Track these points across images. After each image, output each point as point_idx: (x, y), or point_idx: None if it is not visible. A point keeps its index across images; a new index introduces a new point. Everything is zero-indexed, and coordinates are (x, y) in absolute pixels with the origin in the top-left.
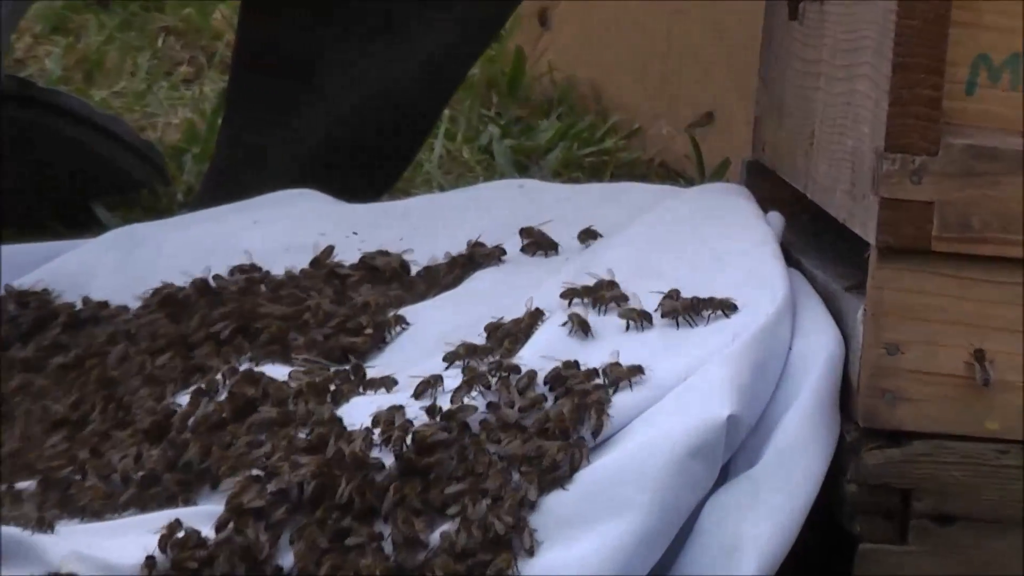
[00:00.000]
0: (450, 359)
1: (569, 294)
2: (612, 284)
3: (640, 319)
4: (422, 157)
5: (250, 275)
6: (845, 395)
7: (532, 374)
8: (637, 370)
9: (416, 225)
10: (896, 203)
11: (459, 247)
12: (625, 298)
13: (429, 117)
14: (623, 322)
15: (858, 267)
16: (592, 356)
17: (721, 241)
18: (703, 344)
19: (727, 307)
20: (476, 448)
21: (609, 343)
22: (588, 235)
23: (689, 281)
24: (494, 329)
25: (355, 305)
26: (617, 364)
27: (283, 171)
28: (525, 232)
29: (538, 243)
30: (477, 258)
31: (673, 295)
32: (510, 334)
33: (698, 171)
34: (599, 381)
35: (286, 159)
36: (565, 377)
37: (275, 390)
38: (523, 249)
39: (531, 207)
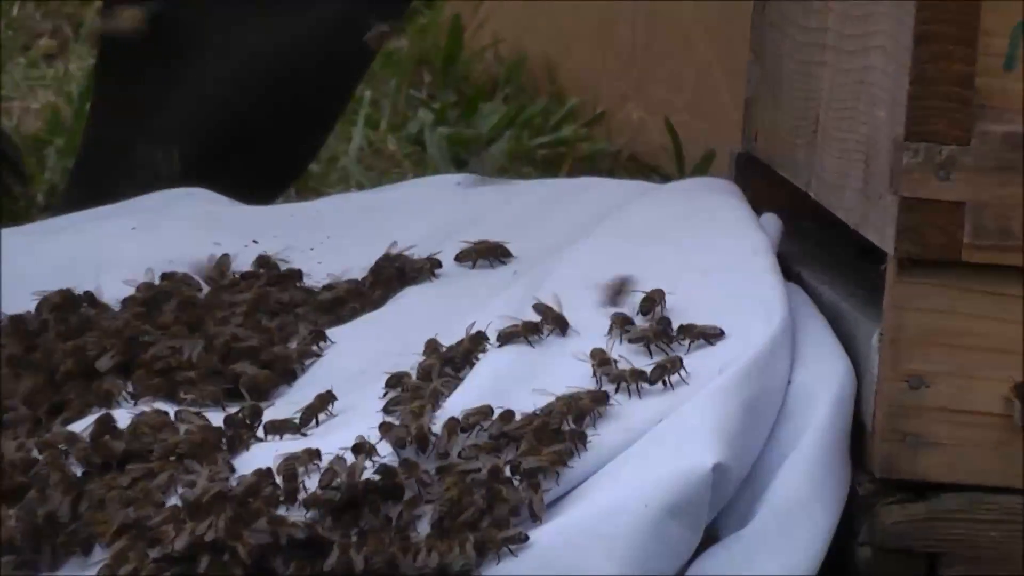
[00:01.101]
0: (387, 387)
1: (507, 337)
2: (559, 320)
3: (602, 366)
4: (337, 149)
5: (133, 295)
6: (857, 439)
7: (460, 425)
8: (602, 398)
9: (330, 232)
10: (919, 204)
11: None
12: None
13: (331, 99)
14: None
15: (873, 282)
16: (542, 386)
17: (704, 251)
18: (683, 378)
19: (711, 334)
20: (408, 509)
21: (564, 372)
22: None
23: (665, 301)
24: (432, 352)
25: (257, 331)
26: (578, 397)
27: (160, 165)
28: (476, 241)
29: (480, 252)
30: (406, 272)
31: (651, 310)
32: (447, 363)
33: (676, 165)
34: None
35: (162, 150)
36: (507, 438)
37: (158, 437)
38: (459, 258)
39: (471, 209)
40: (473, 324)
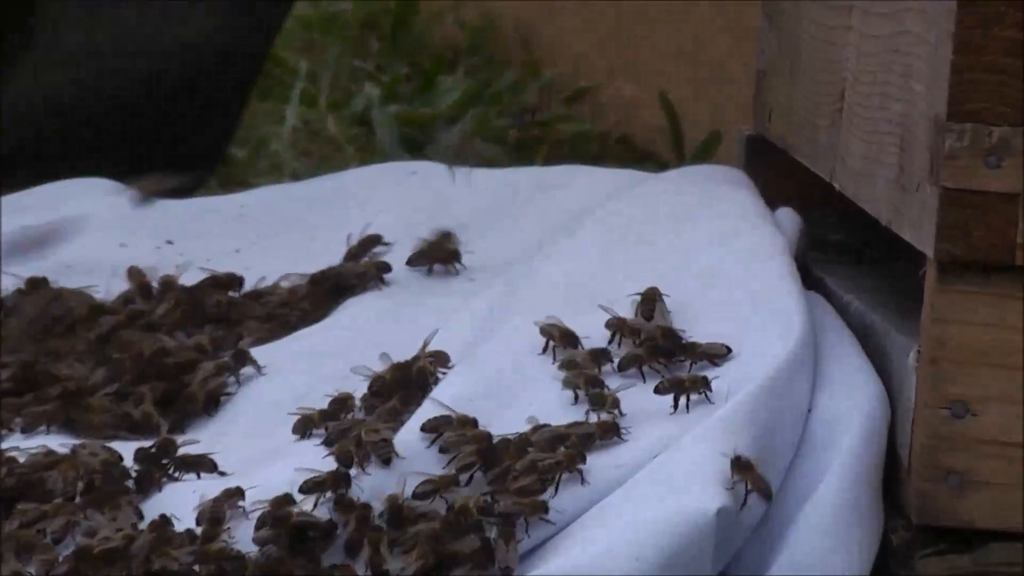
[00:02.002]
0: (302, 429)
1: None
2: (568, 337)
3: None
4: (267, 132)
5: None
6: (891, 477)
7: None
8: (612, 429)
9: (259, 230)
10: (964, 196)
11: (324, 261)
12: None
13: (234, 67)
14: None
15: (909, 290)
16: (516, 417)
17: (708, 254)
18: (683, 406)
19: (715, 354)
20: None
21: (539, 397)
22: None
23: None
24: (380, 381)
25: (175, 350)
26: (578, 425)
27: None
28: (433, 239)
29: (437, 256)
30: (350, 278)
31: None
32: (397, 387)
33: (675, 149)
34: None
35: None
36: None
37: (54, 473)
38: (412, 261)
39: (429, 203)
40: (433, 334)
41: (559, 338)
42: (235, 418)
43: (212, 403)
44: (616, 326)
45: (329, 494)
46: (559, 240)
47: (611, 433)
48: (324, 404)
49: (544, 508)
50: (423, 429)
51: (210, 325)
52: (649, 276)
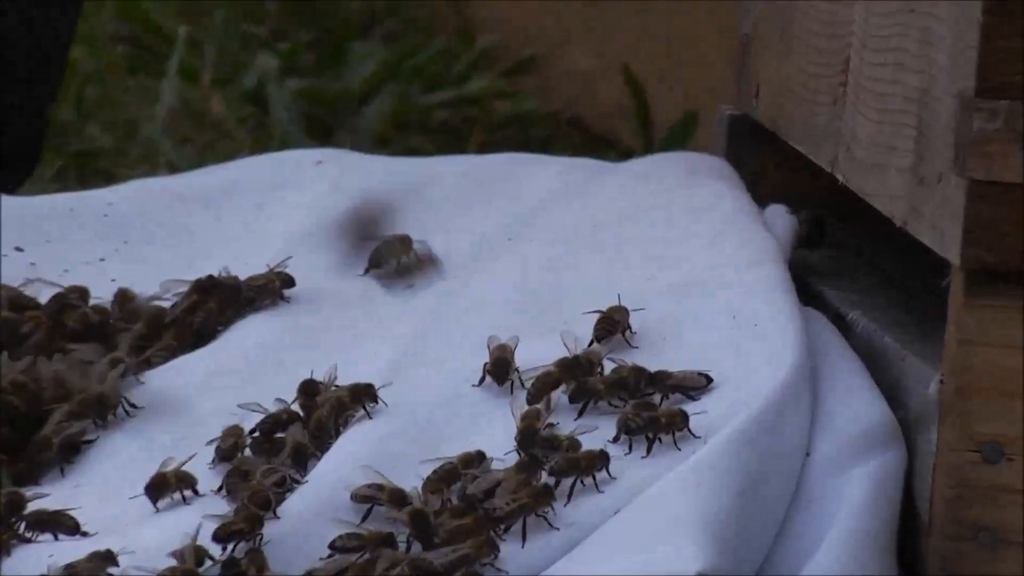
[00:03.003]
0: (154, 494)
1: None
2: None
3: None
4: (138, 114)
5: None
6: (907, 535)
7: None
8: (544, 497)
9: (128, 234)
10: (997, 190)
11: (207, 269)
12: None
13: (31, 37)
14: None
15: (929, 306)
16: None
17: (683, 260)
18: (652, 447)
19: (692, 386)
20: None
21: (475, 442)
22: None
23: (619, 340)
24: (272, 423)
25: (25, 384)
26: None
27: None
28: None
29: (376, 257)
30: (242, 293)
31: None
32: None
33: (641, 133)
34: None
35: None
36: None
37: None
38: (363, 256)
39: (340, 200)
40: (334, 368)
41: (493, 371)
42: (98, 468)
43: (70, 450)
44: (566, 368)
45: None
46: (499, 248)
47: (545, 501)
48: (205, 448)
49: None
50: (353, 499)
51: (75, 347)
52: (611, 290)
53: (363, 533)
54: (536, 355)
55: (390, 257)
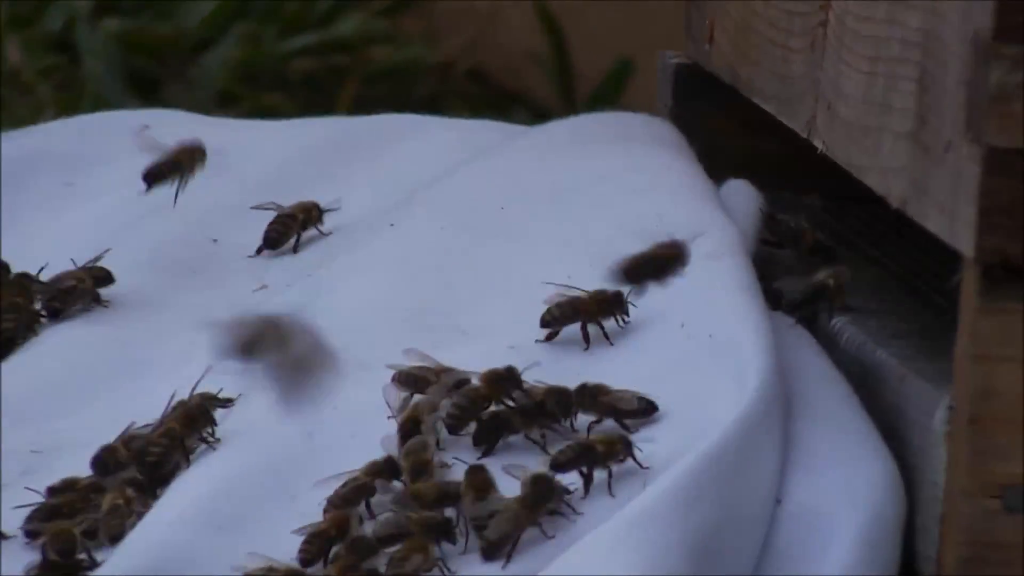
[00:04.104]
0: None
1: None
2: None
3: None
4: None
5: None
6: None
7: None
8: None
9: None
10: (1019, 160)
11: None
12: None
13: None
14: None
15: (935, 311)
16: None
17: (616, 252)
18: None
19: (628, 410)
20: None
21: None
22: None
23: (533, 351)
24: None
25: None
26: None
27: None
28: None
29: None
30: (46, 297)
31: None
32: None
33: (560, 88)
34: None
35: None
36: None
37: None
38: (272, 242)
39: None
40: (173, 396)
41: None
42: None
43: None
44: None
45: None
46: (372, 236)
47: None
48: (5, 497)
49: None
50: None
51: None
52: (515, 292)
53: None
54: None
55: (290, 232)
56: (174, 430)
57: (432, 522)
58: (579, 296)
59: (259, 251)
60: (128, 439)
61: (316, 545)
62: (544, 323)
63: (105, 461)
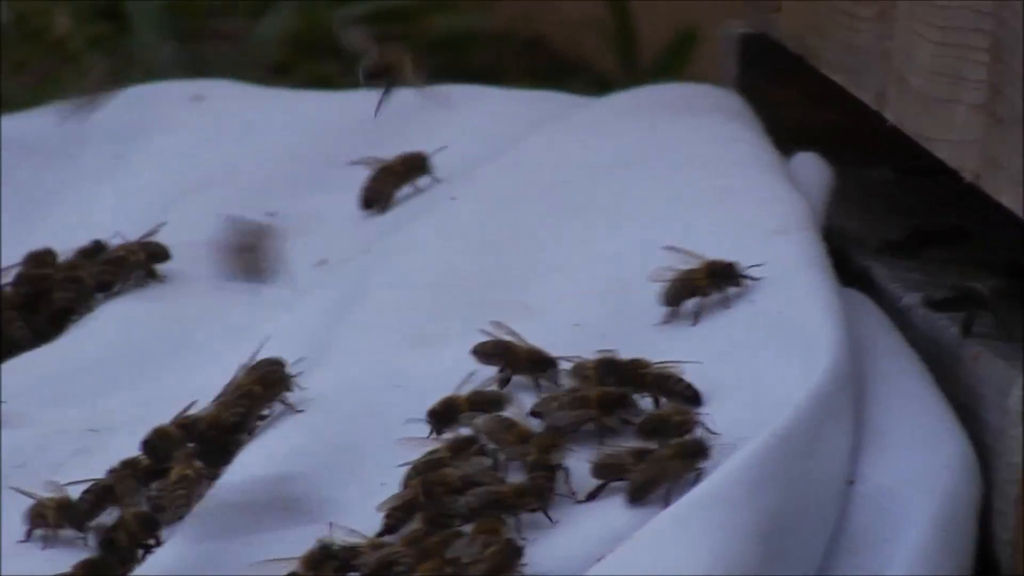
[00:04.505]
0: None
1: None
2: (536, 359)
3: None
4: None
5: None
6: None
7: None
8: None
9: None
10: None
11: (49, 240)
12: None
13: None
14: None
15: (1010, 288)
16: (364, 491)
17: (681, 226)
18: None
19: (680, 391)
20: None
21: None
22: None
23: (598, 328)
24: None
25: None
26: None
27: None
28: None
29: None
30: (98, 271)
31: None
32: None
33: (623, 58)
34: None
35: None
36: None
37: None
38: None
39: (225, 148)
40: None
41: (521, 360)
42: None
43: None
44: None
45: None
46: (428, 211)
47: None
48: (60, 476)
49: None
50: None
51: None
52: (581, 268)
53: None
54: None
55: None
56: (255, 391)
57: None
58: (691, 270)
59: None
60: (183, 421)
61: (400, 512)
62: (667, 302)
63: (155, 444)
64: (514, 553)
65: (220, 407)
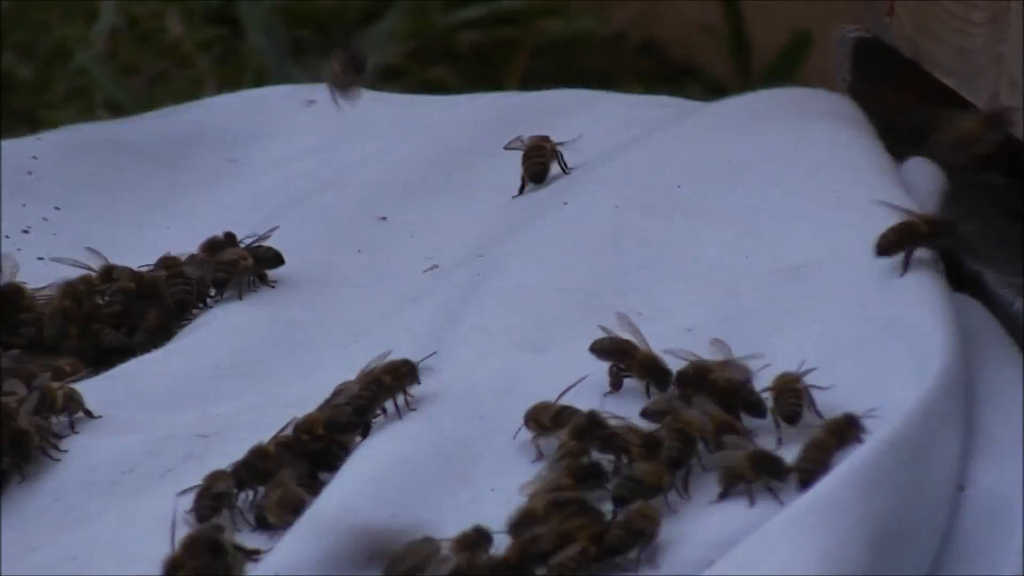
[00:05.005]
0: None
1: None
2: (653, 367)
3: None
4: (66, 34)
5: None
6: None
7: None
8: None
9: (60, 197)
10: None
11: (162, 244)
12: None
13: None
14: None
15: None
16: (471, 496)
17: (795, 233)
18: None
19: (789, 397)
20: None
21: (506, 467)
22: None
23: (711, 332)
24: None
25: None
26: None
27: None
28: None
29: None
30: (211, 273)
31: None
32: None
33: (736, 62)
34: None
35: None
36: None
37: None
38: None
39: (342, 153)
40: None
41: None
42: (28, 500)
43: None
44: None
45: None
46: (546, 215)
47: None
48: (169, 482)
49: None
50: None
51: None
52: (691, 272)
53: None
54: (595, 362)
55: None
56: (383, 381)
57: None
58: (911, 220)
59: (521, 191)
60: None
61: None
62: (881, 250)
63: (254, 465)
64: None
65: (333, 408)
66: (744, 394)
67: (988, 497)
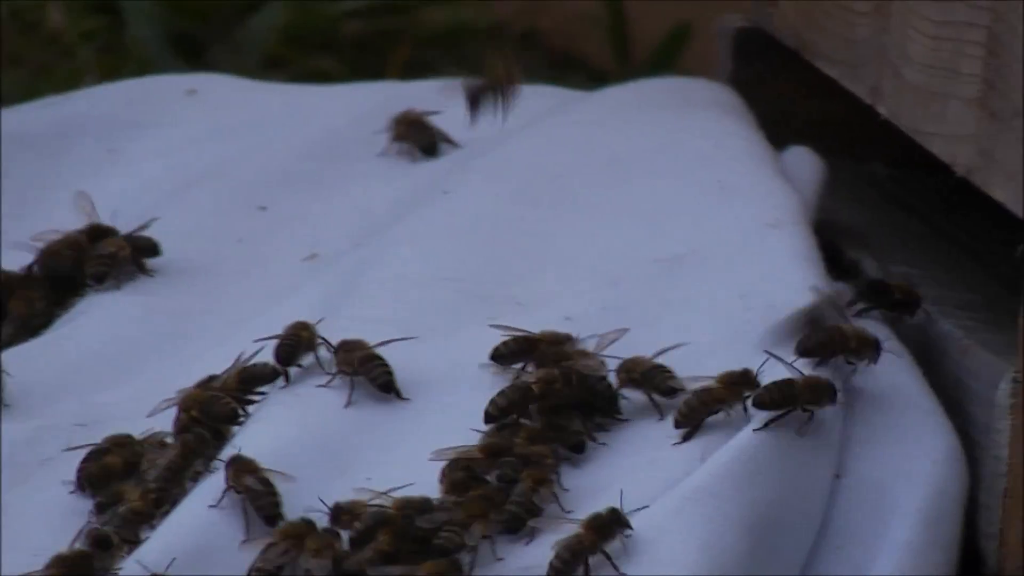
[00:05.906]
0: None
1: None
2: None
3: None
4: None
5: None
6: None
7: None
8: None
9: None
10: None
11: (38, 231)
12: None
13: None
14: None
15: (1000, 283)
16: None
17: (675, 222)
18: (622, 466)
19: (664, 385)
20: None
21: (388, 456)
22: None
23: (590, 323)
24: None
25: None
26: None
27: None
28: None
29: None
30: (85, 265)
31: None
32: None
33: (617, 51)
34: None
35: None
36: None
37: None
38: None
39: (221, 143)
40: (242, 355)
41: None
42: None
43: None
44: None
45: None
46: (424, 204)
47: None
48: (48, 471)
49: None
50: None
51: None
52: (574, 263)
53: None
54: (474, 350)
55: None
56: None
57: None
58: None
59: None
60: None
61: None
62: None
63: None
64: None
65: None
66: (599, 389)
67: (864, 486)
